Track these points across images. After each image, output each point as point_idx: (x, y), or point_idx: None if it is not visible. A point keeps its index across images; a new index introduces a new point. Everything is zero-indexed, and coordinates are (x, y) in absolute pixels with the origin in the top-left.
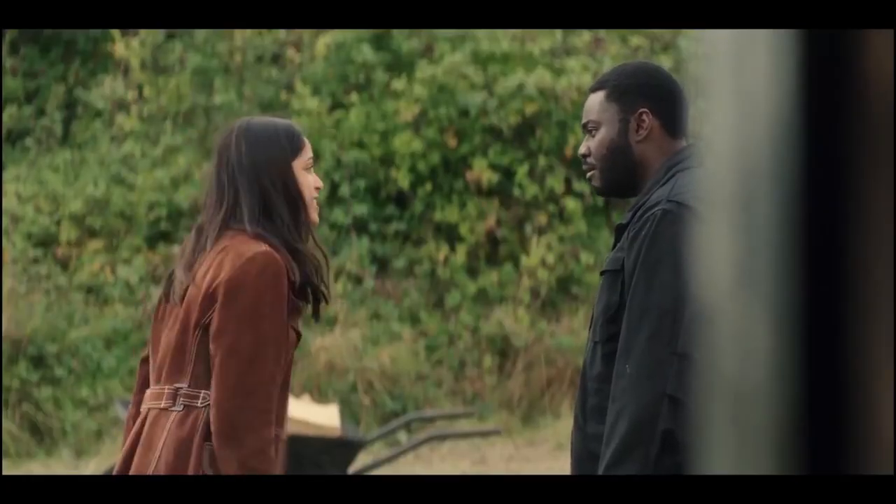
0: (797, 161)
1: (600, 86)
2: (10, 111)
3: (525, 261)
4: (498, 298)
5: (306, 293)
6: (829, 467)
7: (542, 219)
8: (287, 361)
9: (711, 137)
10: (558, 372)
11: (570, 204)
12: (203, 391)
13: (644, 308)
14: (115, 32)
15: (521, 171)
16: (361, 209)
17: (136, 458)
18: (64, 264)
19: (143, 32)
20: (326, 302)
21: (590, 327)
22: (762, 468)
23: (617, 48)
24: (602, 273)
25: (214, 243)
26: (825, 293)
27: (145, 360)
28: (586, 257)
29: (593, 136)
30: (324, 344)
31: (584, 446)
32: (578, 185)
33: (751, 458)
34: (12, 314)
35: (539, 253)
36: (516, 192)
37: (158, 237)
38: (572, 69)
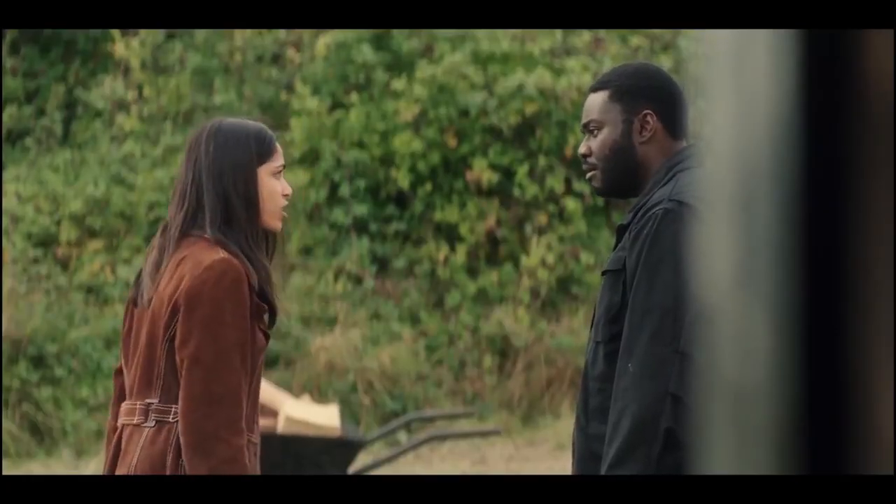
0: (797, 161)
1: (602, 86)
2: (10, 111)
3: (525, 261)
4: (498, 298)
5: (264, 299)
6: (829, 467)
7: (542, 219)
8: (256, 365)
9: (711, 137)
10: (558, 372)
11: (570, 204)
12: (174, 405)
13: (646, 307)
14: (115, 32)
15: (521, 171)
16: (361, 209)
17: (115, 474)
18: (64, 264)
19: (143, 32)
20: (275, 313)
21: (591, 327)
22: (762, 468)
23: (617, 48)
24: (604, 273)
25: (175, 250)
26: (825, 293)
27: (119, 372)
28: (586, 257)
29: (595, 136)
30: (324, 344)
31: (586, 446)
32: (578, 185)
33: (751, 458)
34: (12, 314)
35: (539, 253)
36: (516, 192)
37: None
38: (572, 69)
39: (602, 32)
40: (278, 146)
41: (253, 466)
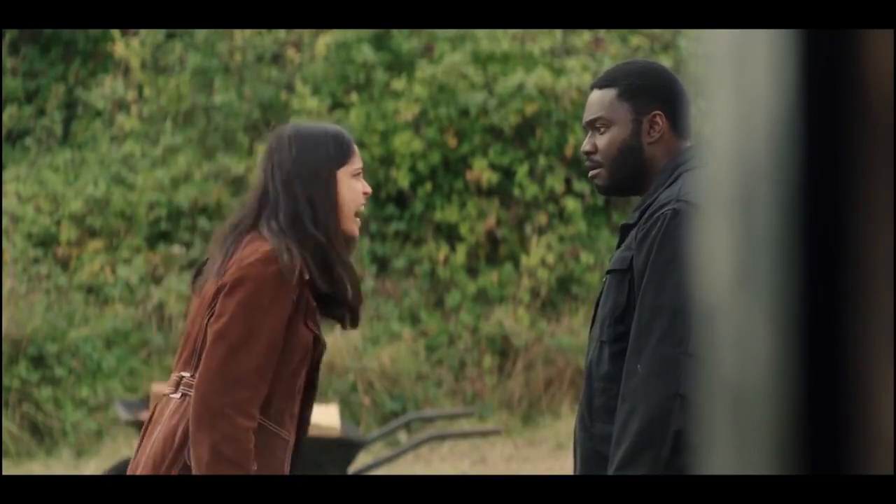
0: (797, 161)
1: (609, 83)
2: (10, 111)
3: (525, 261)
4: (498, 298)
5: (332, 303)
6: (829, 467)
7: (542, 219)
8: (300, 363)
9: (711, 137)
10: (558, 372)
11: (570, 204)
12: None
13: (655, 308)
14: (115, 32)
15: (521, 171)
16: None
17: (146, 442)
18: (64, 264)
19: (143, 32)
20: (354, 315)
21: (591, 326)
22: (762, 468)
23: (617, 48)
24: (608, 272)
25: (240, 243)
26: (825, 293)
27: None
28: (586, 257)
29: (601, 134)
30: None
31: (590, 447)
32: (578, 185)
33: (751, 458)
34: (12, 314)
35: (539, 253)
36: (516, 192)
37: (158, 237)
38: (572, 69)
39: (602, 32)
40: (356, 148)
41: (280, 462)
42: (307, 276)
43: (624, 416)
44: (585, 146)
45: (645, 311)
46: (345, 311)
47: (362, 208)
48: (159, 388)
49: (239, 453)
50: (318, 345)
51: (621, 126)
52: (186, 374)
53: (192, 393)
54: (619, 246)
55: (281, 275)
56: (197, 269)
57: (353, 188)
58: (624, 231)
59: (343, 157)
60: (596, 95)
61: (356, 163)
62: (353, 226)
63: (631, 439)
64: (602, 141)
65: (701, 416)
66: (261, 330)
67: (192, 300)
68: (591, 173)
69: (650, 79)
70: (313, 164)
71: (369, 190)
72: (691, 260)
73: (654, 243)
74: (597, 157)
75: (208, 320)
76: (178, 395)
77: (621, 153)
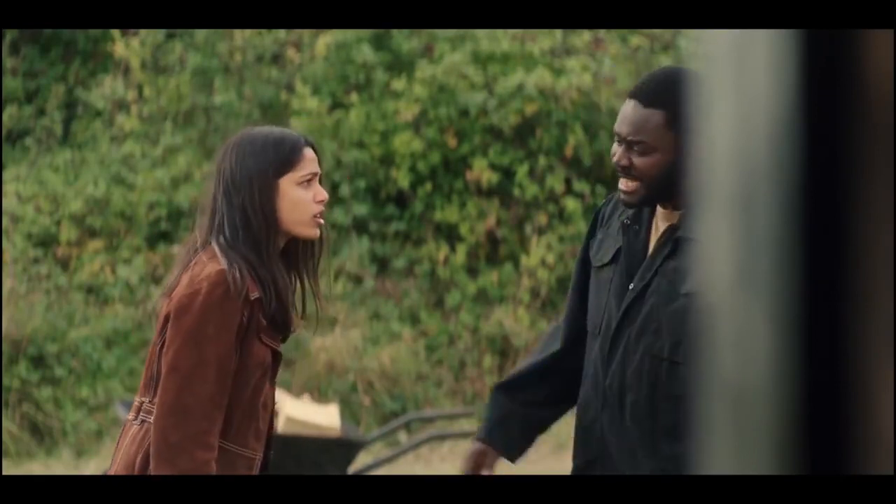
0: (797, 161)
1: (656, 104)
2: (10, 111)
3: (525, 261)
4: (498, 298)
5: (278, 315)
6: (829, 467)
7: (542, 219)
8: (260, 380)
9: (711, 137)
10: None
11: (570, 204)
12: None
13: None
14: (115, 32)
15: (521, 171)
16: (361, 209)
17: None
18: (64, 264)
19: (143, 32)
20: (286, 326)
21: (617, 338)
22: (762, 468)
23: (617, 48)
24: (682, 295)
25: (193, 261)
26: (825, 293)
27: None
28: None
29: (641, 155)
30: (324, 344)
31: (660, 468)
32: (578, 185)
33: (751, 458)
34: (12, 314)
35: (539, 253)
36: (516, 192)
37: (158, 237)
38: (572, 69)
39: (602, 32)
40: (307, 153)
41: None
42: (255, 296)
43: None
44: (621, 160)
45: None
46: (284, 322)
47: (320, 211)
48: None
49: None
50: (276, 359)
51: (665, 152)
52: (146, 400)
53: (150, 420)
54: (672, 254)
55: (226, 298)
56: (163, 290)
57: (299, 197)
58: (681, 244)
59: (285, 164)
60: (639, 113)
61: (304, 169)
62: (309, 230)
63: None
64: (642, 162)
65: (701, 416)
66: (209, 358)
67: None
68: (625, 186)
69: (680, 91)
70: (249, 172)
71: (324, 196)
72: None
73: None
74: (637, 174)
75: (160, 347)
76: (137, 422)
77: (663, 175)
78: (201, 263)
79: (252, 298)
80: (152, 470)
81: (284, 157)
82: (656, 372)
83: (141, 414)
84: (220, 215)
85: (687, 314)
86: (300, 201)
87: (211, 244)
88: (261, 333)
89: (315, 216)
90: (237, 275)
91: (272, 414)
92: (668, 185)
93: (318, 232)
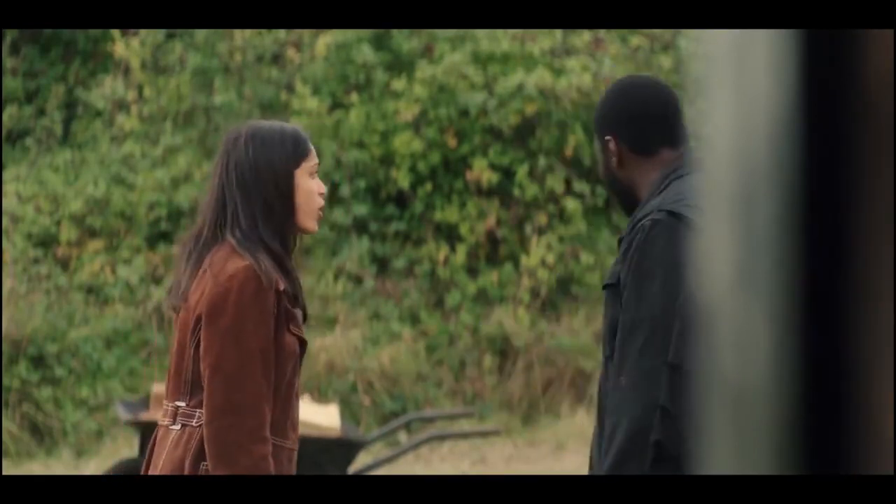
0: (797, 161)
1: (597, 130)
2: (10, 111)
3: (525, 261)
4: (498, 298)
5: (297, 301)
6: (829, 467)
7: (542, 219)
8: (286, 371)
9: (711, 137)
10: (558, 372)
11: (570, 204)
12: (199, 410)
13: (635, 320)
14: (115, 32)
15: (521, 171)
16: (361, 209)
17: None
18: (64, 264)
19: (143, 32)
20: (305, 316)
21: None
22: (762, 468)
23: (617, 48)
24: (604, 287)
25: (204, 255)
26: (825, 293)
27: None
28: (586, 257)
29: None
30: (324, 344)
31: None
32: (578, 185)
33: (751, 458)
34: (12, 314)
35: (539, 253)
36: (516, 192)
37: (158, 237)
38: (572, 69)
39: (602, 32)
40: (312, 146)
41: (288, 472)
42: (282, 287)
43: (609, 428)
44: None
45: (626, 324)
46: (302, 308)
47: (322, 205)
48: (160, 388)
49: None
50: (303, 347)
51: (599, 160)
52: (182, 404)
53: (192, 424)
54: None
55: (259, 291)
56: (170, 288)
57: (310, 188)
58: (620, 243)
59: (301, 155)
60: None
61: (312, 160)
62: (312, 223)
63: (615, 450)
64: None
65: (701, 416)
66: (253, 354)
67: (174, 320)
68: None
69: (603, 106)
70: (271, 164)
71: (324, 189)
72: (677, 269)
73: (635, 254)
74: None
75: (194, 349)
76: (177, 427)
77: (607, 184)
78: (220, 260)
79: (280, 289)
80: (211, 471)
81: (300, 148)
82: (603, 370)
83: (179, 418)
84: (233, 208)
85: (605, 308)
86: (311, 191)
87: (225, 239)
88: (289, 323)
89: (318, 209)
90: (266, 267)
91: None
92: (620, 195)
93: (317, 226)
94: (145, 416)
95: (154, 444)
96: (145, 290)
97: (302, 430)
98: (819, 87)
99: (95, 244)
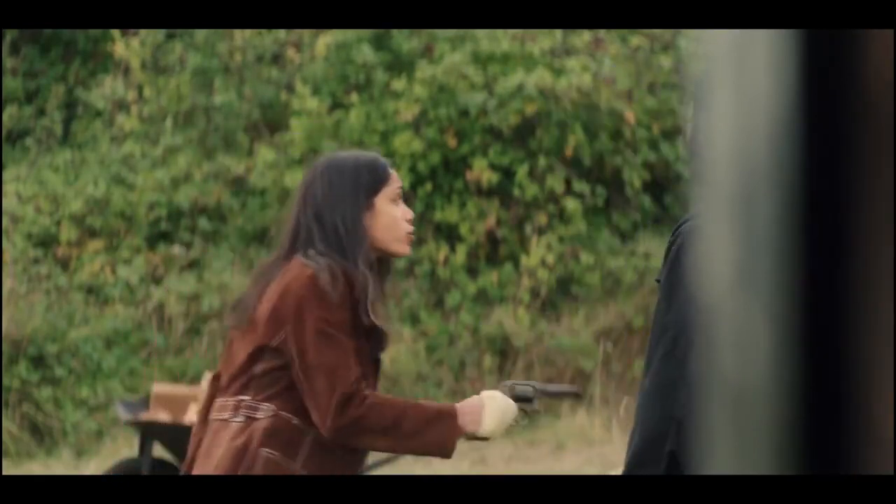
0: (797, 161)
1: None
2: (10, 111)
3: (525, 261)
4: (498, 298)
5: (372, 319)
6: (829, 467)
7: (542, 219)
8: (367, 373)
9: (711, 137)
10: (558, 372)
11: (570, 204)
12: (265, 404)
13: (664, 326)
14: (115, 32)
15: (521, 171)
16: None
17: (196, 468)
18: (64, 264)
19: (143, 32)
20: (382, 336)
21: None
22: (762, 468)
23: (617, 48)
24: (656, 281)
25: (275, 276)
26: (825, 293)
27: (216, 378)
28: (586, 257)
29: None
30: None
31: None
32: (578, 185)
33: (751, 458)
34: (12, 314)
35: (539, 253)
36: (516, 192)
37: (158, 237)
38: (572, 69)
39: (602, 32)
40: (393, 172)
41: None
42: (355, 298)
43: (632, 429)
44: None
45: (656, 328)
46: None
47: (410, 230)
48: (160, 388)
49: (389, 410)
50: (376, 366)
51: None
52: (247, 398)
53: (257, 416)
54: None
55: (332, 291)
56: (234, 303)
57: (394, 212)
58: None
59: (378, 183)
60: None
61: (393, 185)
62: (402, 246)
63: (633, 454)
64: None
65: (701, 416)
66: (345, 345)
67: (231, 333)
68: None
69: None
70: (344, 193)
71: (411, 214)
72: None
73: (672, 258)
74: None
75: (266, 350)
76: (239, 419)
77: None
78: (291, 272)
79: (353, 299)
80: (367, 448)
81: (378, 175)
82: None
83: (243, 411)
84: (307, 233)
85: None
86: (394, 219)
87: (296, 257)
88: (362, 337)
89: (407, 233)
90: (335, 271)
91: None
92: None
93: (409, 249)
94: (145, 416)
95: (200, 440)
96: (145, 290)
97: None
98: (819, 87)
99: (95, 244)
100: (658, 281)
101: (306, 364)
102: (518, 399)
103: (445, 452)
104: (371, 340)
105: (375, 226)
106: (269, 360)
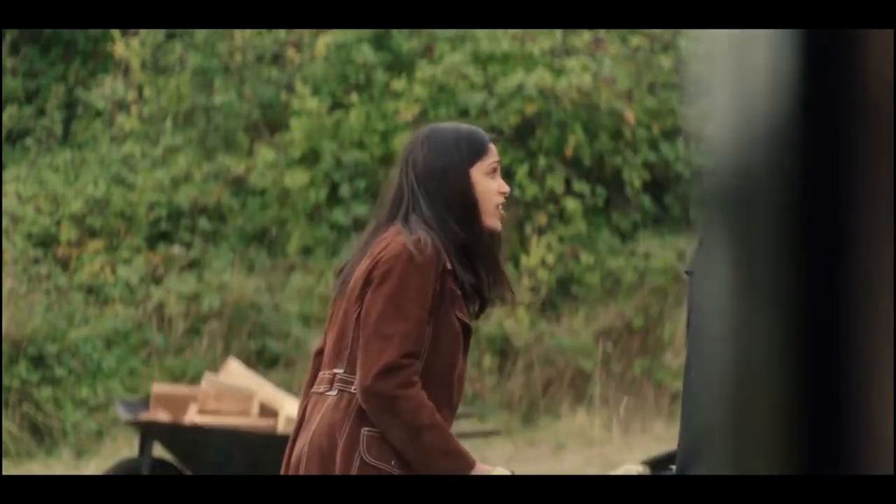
0: (797, 161)
1: None
2: (10, 111)
3: (525, 261)
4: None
5: (473, 292)
6: (829, 467)
7: (542, 219)
8: (454, 353)
9: (711, 137)
10: (558, 372)
11: (570, 204)
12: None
13: (699, 320)
14: (115, 32)
15: (521, 171)
16: (361, 209)
17: (298, 441)
18: (64, 264)
19: (143, 32)
20: (485, 303)
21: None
22: (762, 468)
23: (617, 48)
24: (686, 273)
25: (374, 243)
26: (825, 293)
27: (319, 353)
28: (586, 257)
29: None
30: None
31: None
32: (578, 185)
33: (751, 458)
34: (12, 314)
35: (539, 253)
36: (516, 192)
37: (158, 237)
38: (572, 69)
39: (602, 32)
40: (492, 146)
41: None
42: (449, 266)
43: (682, 421)
44: None
45: (693, 323)
46: (485, 303)
47: (502, 203)
48: (160, 388)
49: (427, 415)
50: (468, 334)
51: None
52: (340, 371)
53: (350, 390)
54: None
55: (424, 263)
56: (338, 271)
57: (488, 185)
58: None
59: (476, 155)
60: None
61: (491, 158)
62: (493, 221)
63: (681, 452)
64: None
65: (701, 416)
66: (410, 319)
67: (334, 302)
68: None
69: None
70: (444, 163)
71: (506, 188)
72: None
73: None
74: None
75: (357, 315)
76: (334, 393)
77: None
78: (389, 238)
79: (447, 269)
80: (381, 428)
81: (476, 149)
82: None
83: (337, 384)
84: (408, 202)
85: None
86: (488, 191)
87: (394, 225)
88: (454, 305)
89: (497, 206)
90: (431, 242)
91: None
92: None
93: (499, 224)
94: (145, 416)
95: (304, 413)
96: (145, 290)
97: None
98: (819, 87)
99: (95, 244)
100: (688, 273)
101: (368, 326)
102: None
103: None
104: (465, 307)
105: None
106: (357, 328)
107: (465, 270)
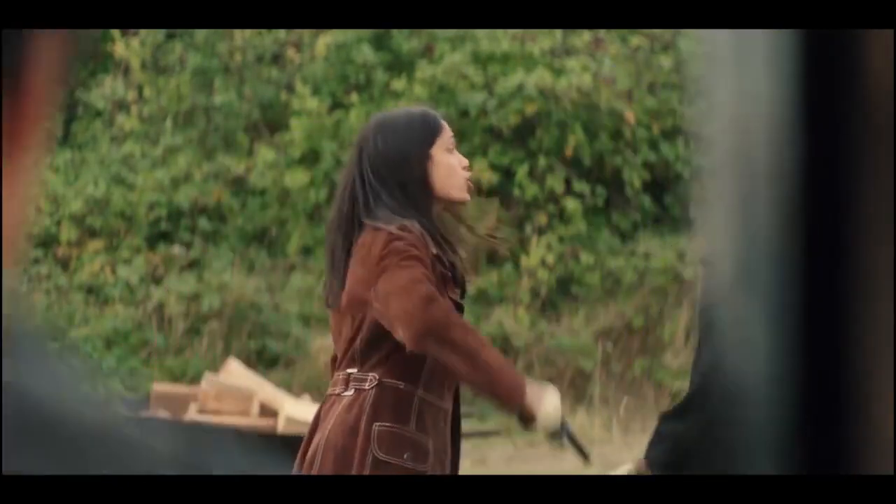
0: (797, 161)
1: None
2: None
3: (525, 261)
4: (498, 298)
5: (452, 267)
6: (829, 467)
7: (542, 219)
8: None
9: (711, 137)
10: (558, 372)
11: (570, 204)
12: (371, 374)
13: None
14: (116, 32)
15: (521, 171)
16: None
17: (313, 441)
18: (64, 264)
19: (143, 32)
20: (460, 279)
21: None
22: (762, 468)
23: (617, 48)
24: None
25: (350, 248)
26: (825, 293)
27: (334, 360)
28: (586, 257)
29: None
30: (324, 344)
31: None
32: (578, 185)
33: (751, 458)
34: None
35: (539, 253)
36: (516, 192)
37: (158, 237)
38: (572, 69)
39: (602, 32)
40: (444, 123)
41: (443, 433)
42: (434, 251)
43: None
44: None
45: None
46: (463, 284)
47: (468, 175)
48: (160, 387)
49: (476, 337)
50: (460, 312)
51: None
52: (354, 371)
53: (364, 387)
54: None
55: (413, 246)
56: (324, 285)
57: (451, 161)
58: None
59: (433, 135)
60: None
61: (446, 136)
62: (461, 193)
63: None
64: None
65: (700, 416)
66: (418, 268)
67: (332, 315)
68: None
69: None
70: (403, 149)
71: (466, 162)
72: None
73: None
74: None
75: (365, 321)
76: (350, 392)
77: None
78: (366, 242)
79: (433, 253)
80: (432, 353)
81: (431, 128)
82: None
83: (352, 384)
84: (372, 197)
85: None
86: (452, 166)
87: (364, 225)
88: (446, 287)
89: (464, 179)
90: (411, 230)
91: None
92: None
93: (468, 195)
94: (145, 416)
95: (320, 414)
96: (145, 290)
97: (302, 431)
98: (819, 87)
99: (95, 244)
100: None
101: (379, 294)
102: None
103: (516, 397)
104: (449, 287)
105: (435, 176)
106: (367, 331)
107: (444, 252)
